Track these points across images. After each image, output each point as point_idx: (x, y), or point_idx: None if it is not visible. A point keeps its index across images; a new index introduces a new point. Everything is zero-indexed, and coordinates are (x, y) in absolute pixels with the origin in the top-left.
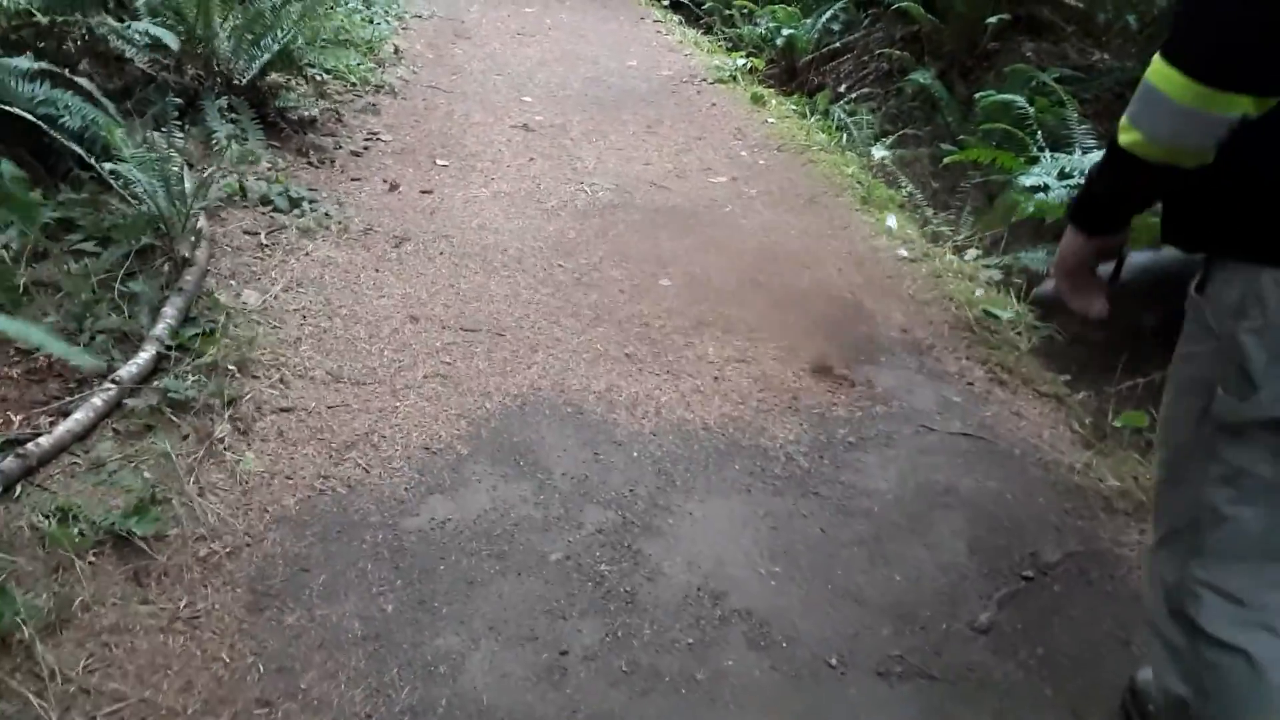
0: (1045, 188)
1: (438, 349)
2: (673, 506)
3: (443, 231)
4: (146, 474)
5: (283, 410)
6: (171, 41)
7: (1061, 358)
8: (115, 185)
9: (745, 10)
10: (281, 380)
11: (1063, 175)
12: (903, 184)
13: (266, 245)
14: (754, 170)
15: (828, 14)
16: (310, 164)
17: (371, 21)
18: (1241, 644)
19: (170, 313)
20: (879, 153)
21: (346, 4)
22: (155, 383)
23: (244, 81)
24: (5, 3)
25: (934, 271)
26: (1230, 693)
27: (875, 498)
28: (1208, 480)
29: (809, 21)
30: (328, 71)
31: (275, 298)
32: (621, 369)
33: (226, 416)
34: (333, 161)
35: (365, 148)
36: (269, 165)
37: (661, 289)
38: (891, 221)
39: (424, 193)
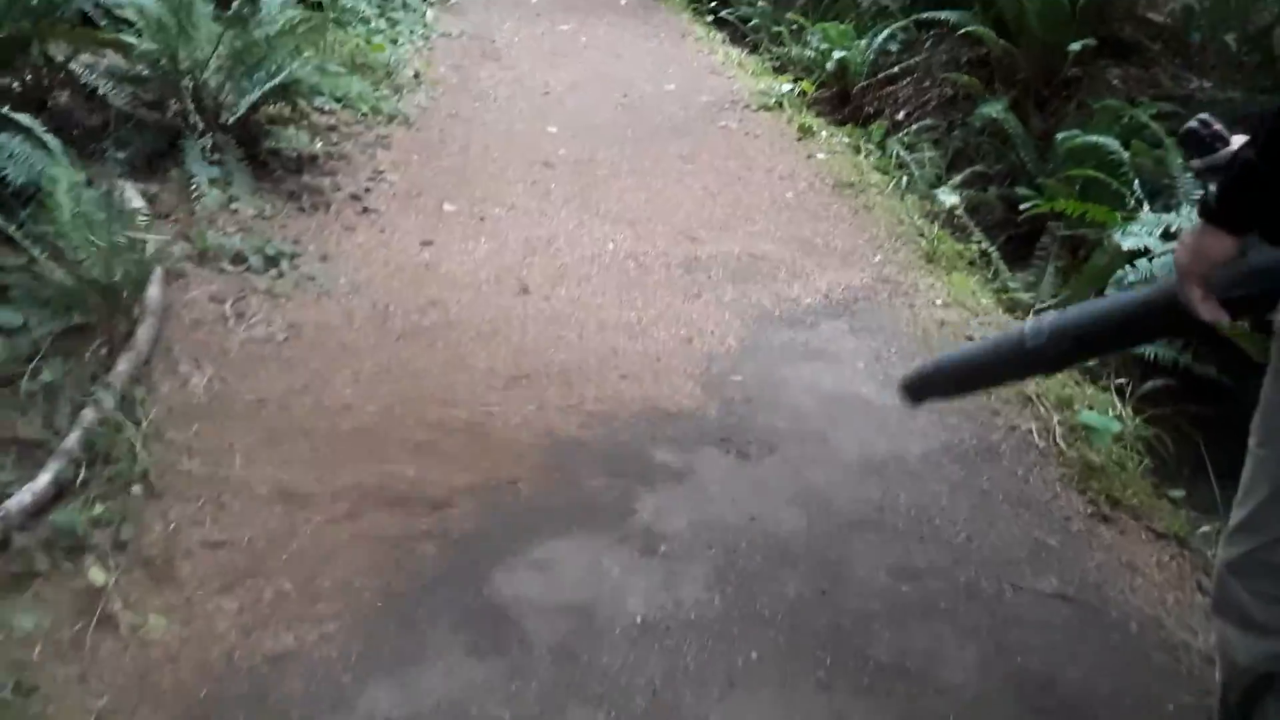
0: (1147, 252)
1: (412, 449)
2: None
3: (439, 297)
4: (16, 651)
5: (212, 545)
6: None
7: (1166, 461)
8: (35, 253)
9: (795, 28)
10: (216, 502)
11: (1167, 236)
12: (973, 236)
13: (231, 316)
14: (801, 218)
15: (885, 34)
16: (302, 210)
17: (394, 42)
18: None
19: (90, 416)
20: (947, 199)
21: (368, 25)
22: (52, 513)
23: (233, 118)
24: None
25: None
26: None
27: (950, 696)
28: None
29: (863, 42)
30: (338, 100)
31: (229, 385)
32: None
33: (135, 559)
34: (328, 206)
35: (367, 189)
36: (254, 213)
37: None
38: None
39: (424, 244)
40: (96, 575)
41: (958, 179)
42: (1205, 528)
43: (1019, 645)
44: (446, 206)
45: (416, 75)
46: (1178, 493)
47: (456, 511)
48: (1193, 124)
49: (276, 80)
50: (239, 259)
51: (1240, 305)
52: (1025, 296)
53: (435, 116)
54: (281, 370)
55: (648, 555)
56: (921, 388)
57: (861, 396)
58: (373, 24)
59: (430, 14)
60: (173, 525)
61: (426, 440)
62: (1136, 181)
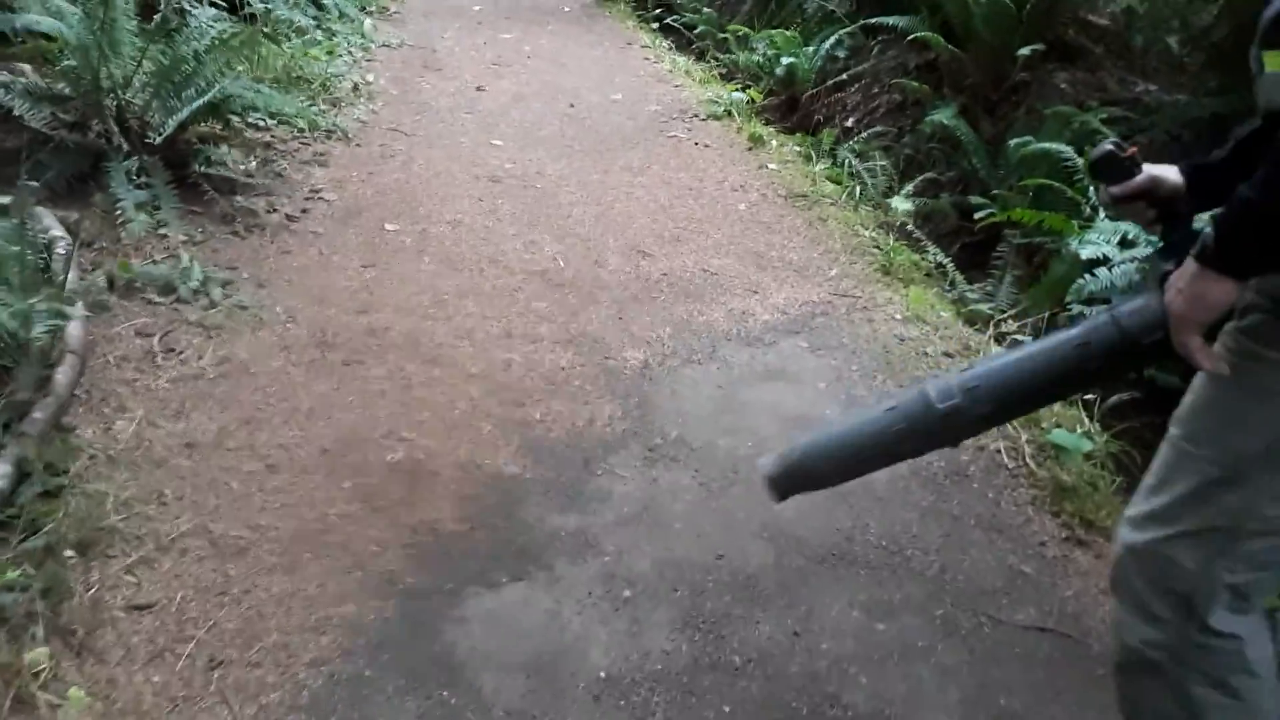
0: (1106, 260)
1: (352, 493)
2: None
3: (380, 324)
4: None
5: (137, 609)
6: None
7: (1135, 477)
8: None
9: (740, 35)
10: (143, 559)
11: (1125, 244)
12: (928, 248)
13: (159, 352)
14: (754, 231)
15: (832, 39)
16: (235, 233)
17: (332, 54)
18: (1231, 629)
19: (3, 470)
20: (900, 205)
21: (304, 36)
22: None
23: (160, 138)
24: None
25: None
26: (1216, 662)
27: None
28: (1266, 495)
29: (811, 48)
30: (272, 117)
31: (157, 429)
32: None
33: (53, 628)
34: (263, 229)
35: (304, 210)
36: (184, 239)
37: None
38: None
39: (365, 266)
40: (9, 650)
41: (910, 187)
42: None
43: (1001, 684)
44: (388, 226)
45: (355, 88)
46: None
47: (401, 559)
48: (1108, 147)
49: (205, 98)
50: (167, 289)
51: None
52: (984, 308)
53: (375, 131)
54: (214, 410)
55: (610, 600)
56: (795, 482)
57: (825, 419)
58: (309, 35)
59: (368, 24)
60: (95, 588)
61: (368, 483)
62: (1091, 188)
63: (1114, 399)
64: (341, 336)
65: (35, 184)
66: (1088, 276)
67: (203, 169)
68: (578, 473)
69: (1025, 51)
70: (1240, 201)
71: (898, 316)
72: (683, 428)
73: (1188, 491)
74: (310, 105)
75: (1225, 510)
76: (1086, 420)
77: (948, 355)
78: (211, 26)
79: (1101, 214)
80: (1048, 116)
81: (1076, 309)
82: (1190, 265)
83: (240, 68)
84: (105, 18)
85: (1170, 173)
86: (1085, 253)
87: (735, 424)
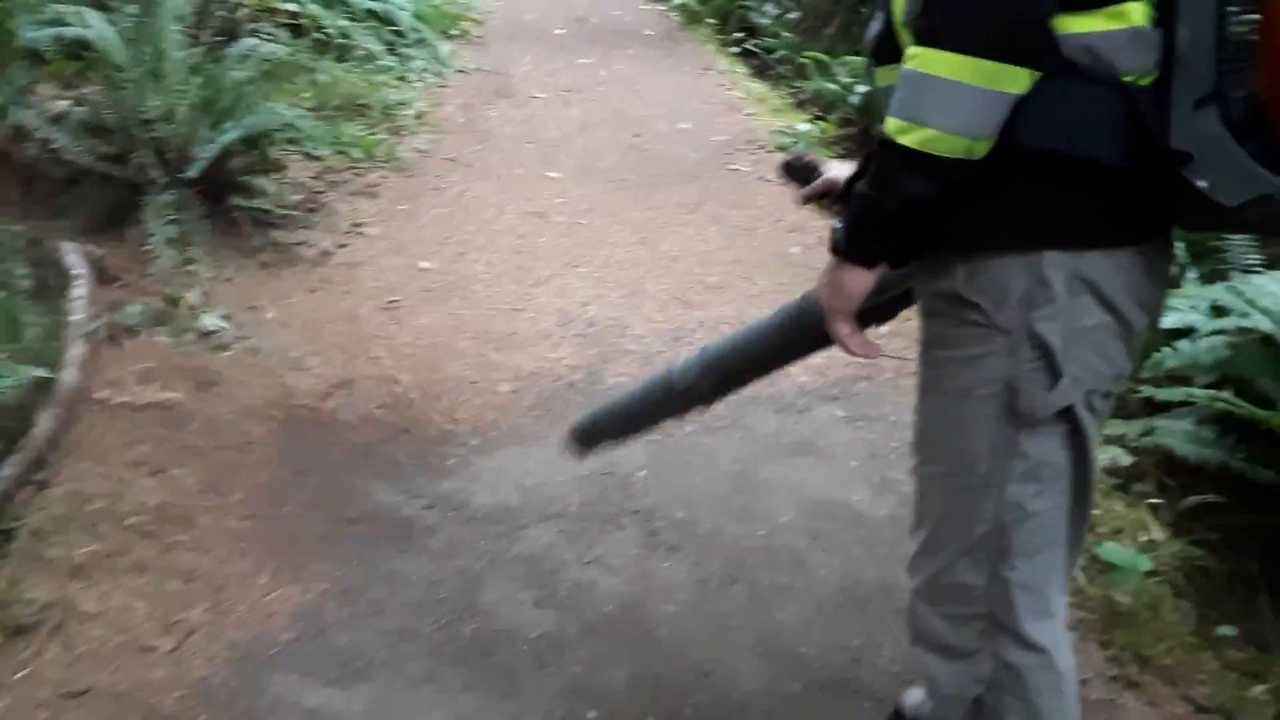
0: (1190, 331)
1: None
2: None
3: (391, 373)
4: None
5: (72, 695)
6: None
7: (1214, 588)
8: None
9: (820, 62)
10: (87, 637)
11: (1219, 311)
12: None
13: (154, 402)
14: (805, 279)
15: None
16: (266, 268)
17: (404, 79)
18: (1040, 640)
19: None
20: None
21: (375, 62)
22: None
23: (196, 172)
24: None
25: None
26: (1028, 685)
27: None
28: (1011, 479)
29: None
30: (327, 147)
31: (131, 489)
32: None
33: None
34: (294, 265)
35: (342, 245)
36: (212, 275)
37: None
38: None
39: (389, 307)
40: None
41: None
42: (1259, 689)
43: None
44: (422, 264)
45: (419, 116)
46: (1227, 629)
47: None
48: (789, 158)
49: (240, 130)
50: (181, 329)
51: (864, 320)
52: None
53: (432, 161)
54: (198, 473)
55: None
56: (590, 436)
57: (851, 506)
58: (381, 61)
59: (445, 49)
60: (27, 670)
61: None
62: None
63: (1192, 500)
64: (349, 387)
65: (79, 214)
66: (1165, 350)
67: (242, 202)
68: (562, 560)
69: None
70: (858, 196)
71: None
72: (690, 509)
73: (945, 512)
74: (369, 134)
75: (983, 514)
76: (1153, 525)
77: None
78: (253, 56)
79: (1189, 275)
80: None
81: (1146, 392)
82: (830, 257)
83: (285, 98)
84: (155, 47)
85: (847, 169)
86: (1168, 321)
87: (749, 507)
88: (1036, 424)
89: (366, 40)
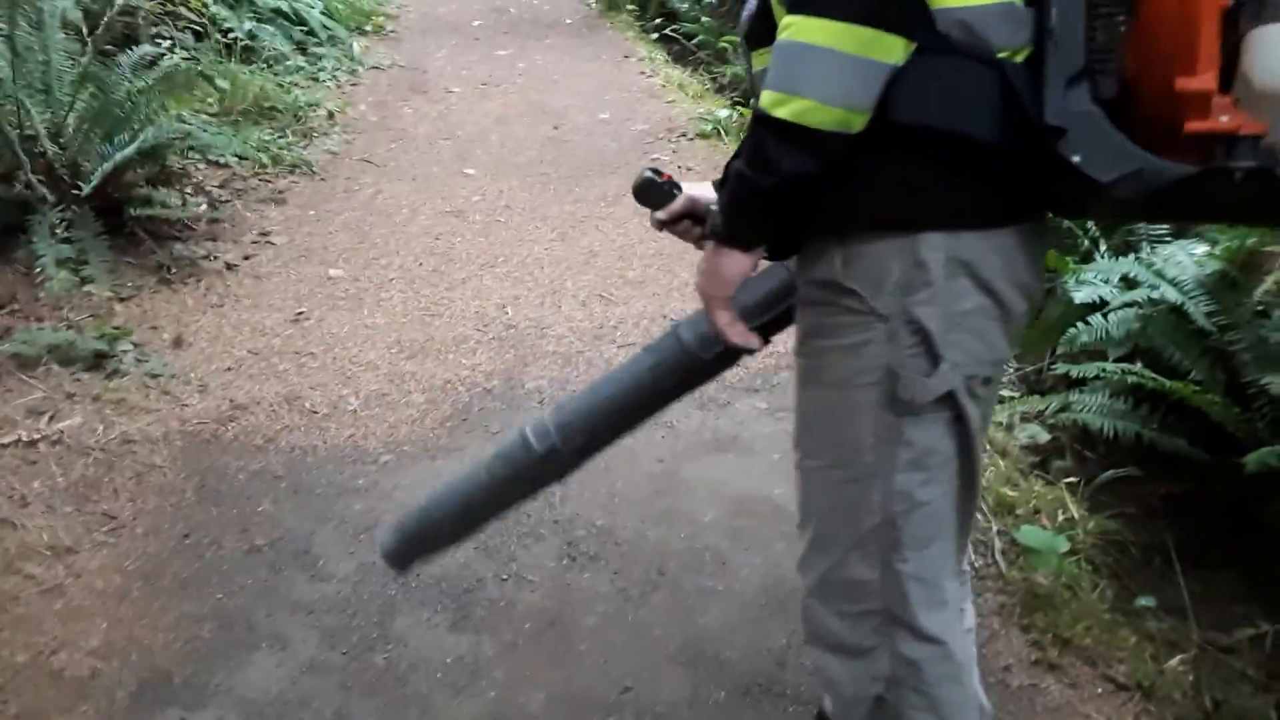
0: (1102, 304)
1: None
2: None
3: (297, 391)
4: None
5: None
6: None
7: (1132, 558)
8: None
9: (737, 46)
10: None
11: (1128, 283)
12: None
13: (44, 437)
14: None
15: None
16: (168, 284)
17: (316, 79)
18: (936, 631)
19: None
20: None
21: (284, 63)
22: None
23: (88, 188)
24: None
25: None
26: (927, 678)
27: None
28: (897, 469)
29: None
30: (231, 156)
31: (21, 537)
32: None
33: None
34: (199, 279)
35: (247, 256)
36: (109, 295)
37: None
38: None
39: (297, 320)
40: None
41: None
42: (1176, 660)
43: None
44: (332, 272)
45: (330, 116)
46: (1147, 600)
47: None
48: (646, 175)
49: (134, 144)
50: (71, 358)
51: (767, 329)
52: None
53: (344, 163)
54: (85, 510)
55: None
56: (412, 549)
57: (772, 501)
58: (290, 61)
59: (357, 46)
60: None
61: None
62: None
63: (1108, 474)
64: (247, 412)
65: None
66: (1080, 325)
67: (142, 214)
68: (479, 578)
69: None
70: (734, 174)
71: None
72: (611, 515)
73: (832, 506)
74: (278, 138)
75: (871, 505)
76: (1071, 503)
77: None
78: (146, 66)
79: (1102, 248)
80: None
81: (1061, 368)
82: (708, 244)
83: (186, 105)
84: (37, 59)
85: (705, 189)
86: (1079, 296)
87: (671, 509)
88: (919, 411)
89: (275, 40)
